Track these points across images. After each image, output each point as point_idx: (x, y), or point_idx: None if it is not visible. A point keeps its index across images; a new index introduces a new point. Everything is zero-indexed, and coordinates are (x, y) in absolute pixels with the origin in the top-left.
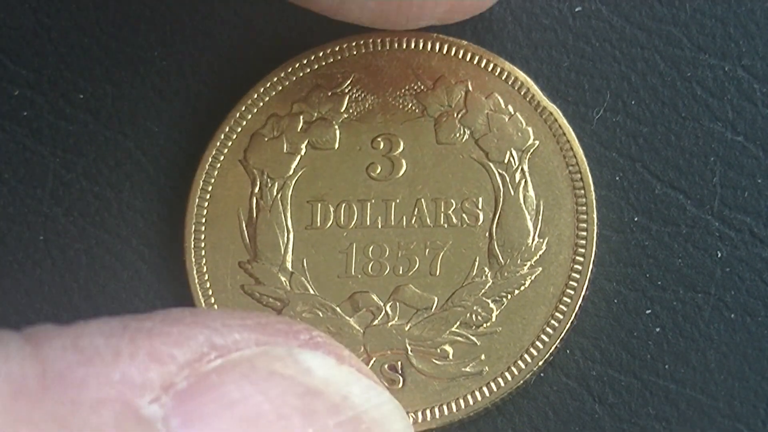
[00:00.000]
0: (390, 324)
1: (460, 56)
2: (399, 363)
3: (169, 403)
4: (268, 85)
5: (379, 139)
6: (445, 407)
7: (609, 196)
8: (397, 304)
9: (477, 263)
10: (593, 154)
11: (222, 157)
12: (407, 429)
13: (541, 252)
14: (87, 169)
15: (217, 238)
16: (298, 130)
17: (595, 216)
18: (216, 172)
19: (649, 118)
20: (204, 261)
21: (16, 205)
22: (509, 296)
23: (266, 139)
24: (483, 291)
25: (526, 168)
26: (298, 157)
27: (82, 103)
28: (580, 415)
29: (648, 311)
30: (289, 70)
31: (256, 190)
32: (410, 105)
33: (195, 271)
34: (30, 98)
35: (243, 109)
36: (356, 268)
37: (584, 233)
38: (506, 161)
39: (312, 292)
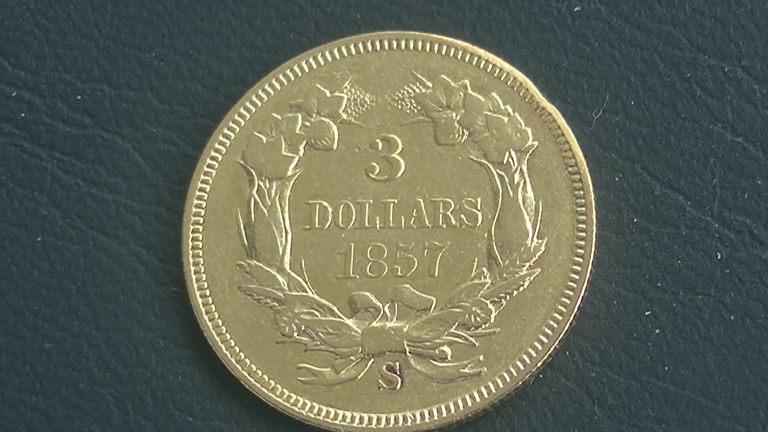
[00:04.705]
0: (388, 325)
1: (459, 57)
2: (397, 364)
3: None
4: (266, 86)
5: (377, 140)
6: (443, 408)
7: (608, 197)
8: (396, 305)
9: (476, 264)
10: (592, 155)
11: (220, 158)
12: None
13: (540, 253)
14: (85, 171)
15: (215, 239)
16: (297, 131)
17: (594, 217)
18: (214, 173)
19: (649, 118)
20: (202, 262)
21: (14, 207)
22: (508, 297)
23: (265, 140)
24: (482, 292)
25: (525, 169)
26: (297, 158)
27: (79, 104)
28: (579, 417)
29: (647, 313)
30: (288, 71)
31: (255, 191)
32: (409, 106)
33: (193, 272)
34: (28, 100)
35: (241, 110)
36: (355, 268)
37: (583, 234)
38: (505, 162)
39: (310, 292)
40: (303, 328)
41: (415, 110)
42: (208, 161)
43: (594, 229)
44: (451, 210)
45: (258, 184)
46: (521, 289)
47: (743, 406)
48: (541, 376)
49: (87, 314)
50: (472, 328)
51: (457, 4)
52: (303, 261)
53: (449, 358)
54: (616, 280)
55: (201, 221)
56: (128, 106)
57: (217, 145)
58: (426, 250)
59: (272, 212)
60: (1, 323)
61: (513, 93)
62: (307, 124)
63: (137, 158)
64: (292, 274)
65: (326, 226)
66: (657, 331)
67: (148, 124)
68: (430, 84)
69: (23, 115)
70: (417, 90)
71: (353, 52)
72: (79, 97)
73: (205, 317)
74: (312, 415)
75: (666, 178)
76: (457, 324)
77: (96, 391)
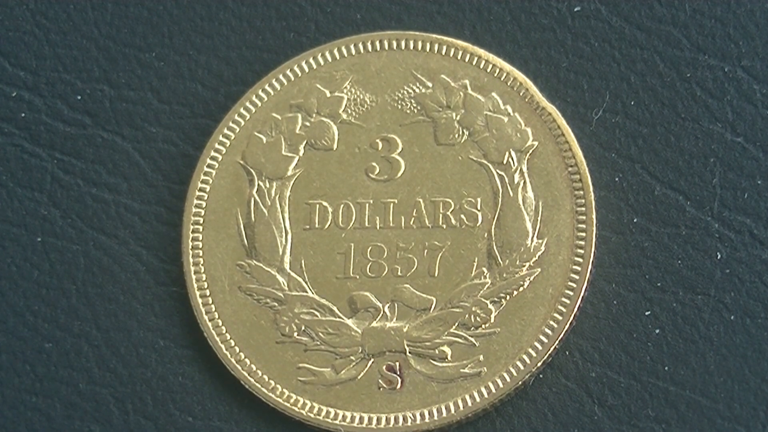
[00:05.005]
0: (389, 325)
1: (459, 57)
2: (397, 364)
3: None
4: (266, 86)
5: (377, 140)
6: (443, 408)
7: (608, 197)
8: (396, 305)
9: (476, 264)
10: (592, 155)
11: (220, 158)
12: None
13: (540, 253)
14: (85, 171)
15: (215, 239)
16: (297, 131)
17: (594, 217)
18: (214, 174)
19: (649, 118)
20: (202, 262)
21: (14, 207)
22: (508, 297)
23: (265, 140)
24: (482, 292)
25: (525, 169)
26: (297, 158)
27: (79, 104)
28: (579, 417)
29: (647, 313)
30: (288, 71)
31: (255, 191)
32: (409, 106)
33: (193, 272)
34: (28, 100)
35: (241, 110)
36: (355, 268)
37: (583, 234)
38: (505, 162)
39: (310, 292)
40: (303, 328)
41: (415, 110)
42: (208, 161)
43: (594, 229)
44: (451, 210)
45: (258, 184)
46: (521, 289)
47: (743, 406)
48: (541, 376)
49: (87, 314)
50: (472, 328)
51: (457, 4)
52: (303, 261)
53: (449, 358)
54: (616, 280)
55: (201, 221)
56: (128, 106)
57: (217, 145)
58: (426, 250)
59: (272, 212)
60: (1, 323)
61: (513, 93)
62: (307, 124)
63: (137, 158)
64: (292, 274)
65: (326, 226)
66: (657, 331)
67: (148, 124)
68: (430, 84)
69: (23, 115)
70: (417, 90)
71: (353, 52)
72: (79, 97)
73: (205, 317)
74: (312, 415)
75: (666, 178)
76: (457, 324)
77: (96, 391)
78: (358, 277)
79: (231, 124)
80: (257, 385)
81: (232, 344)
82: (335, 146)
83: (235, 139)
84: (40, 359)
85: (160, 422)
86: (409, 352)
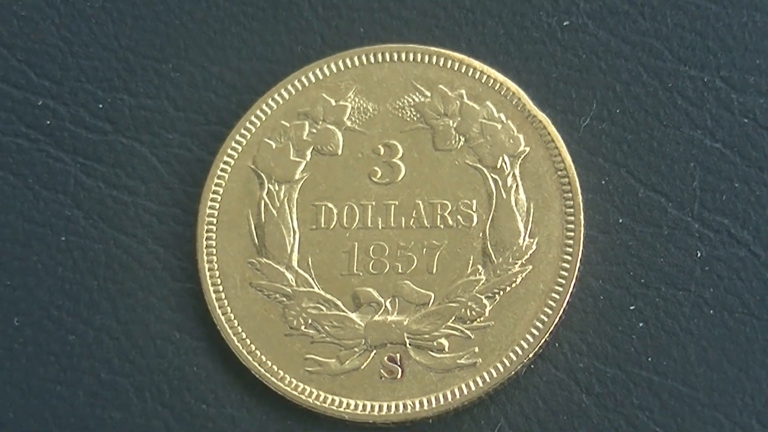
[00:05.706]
0: (390, 319)
1: (456, 68)
2: (398, 355)
3: None
4: (275, 95)
5: (379, 145)
6: (441, 396)
7: (595, 199)
8: (397, 300)
9: (471, 262)
10: (581, 160)
11: (232, 163)
12: None
13: (531, 251)
14: (106, 175)
15: (227, 238)
16: (304, 137)
17: (582, 218)
18: (227, 177)
19: (633, 125)
20: (215, 260)
21: (40, 208)
22: (501, 293)
23: (274, 146)
24: (477, 288)
25: (517, 173)
26: (304, 163)
27: (101, 112)
28: (568, 405)
29: (632, 307)
30: (296, 81)
31: (265, 193)
32: (409, 114)
33: (206, 269)
34: (52, 108)
35: (252, 117)
36: (358, 266)
37: (572, 234)
38: (499, 166)
39: (316, 288)
40: (310, 321)
41: (415, 118)
42: (221, 165)
43: (582, 229)
44: (448, 211)
45: (268, 187)
46: (514, 285)
47: (722, 395)
48: (532, 366)
49: (108, 308)
50: (468, 322)
51: (454, 18)
52: (310, 259)
53: (446, 349)
54: (602, 276)
55: (214, 222)
56: (146, 113)
57: (229, 151)
58: (425, 249)
59: (281, 213)
60: (27, 317)
61: (506, 102)
62: (314, 130)
63: (155, 163)
64: (300, 271)
65: (332, 227)
66: (641, 324)
67: (165, 130)
68: (428, 93)
69: (48, 122)
70: (416, 99)
71: (357, 63)
72: (100, 106)
73: (218, 311)
74: (318, 403)
75: (649, 181)
76: (454, 318)
77: (116, 380)
78: (361, 273)
79: (242, 130)
80: (267, 374)
81: (244, 337)
82: (340, 152)
83: (246, 144)
84: (64, 351)
85: (176, 409)
86: (409, 344)
